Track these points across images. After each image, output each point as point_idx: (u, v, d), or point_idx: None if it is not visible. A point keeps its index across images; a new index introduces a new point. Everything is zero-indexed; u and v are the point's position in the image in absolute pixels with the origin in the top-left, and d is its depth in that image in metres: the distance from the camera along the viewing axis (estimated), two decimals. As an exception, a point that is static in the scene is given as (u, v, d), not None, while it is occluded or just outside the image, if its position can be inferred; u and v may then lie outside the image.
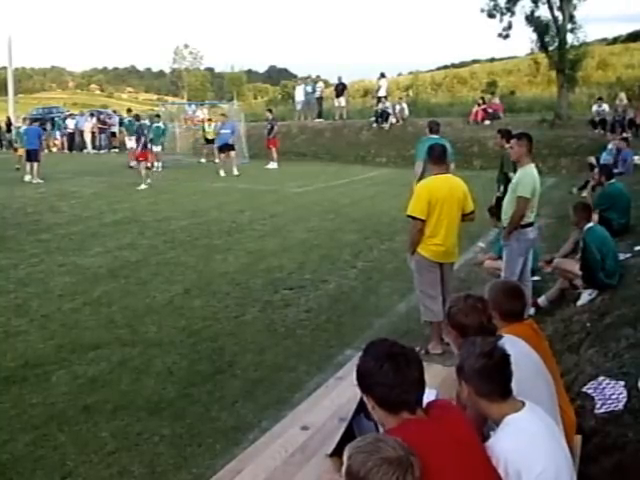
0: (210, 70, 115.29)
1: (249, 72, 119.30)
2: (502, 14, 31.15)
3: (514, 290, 4.56)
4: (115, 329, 8.51)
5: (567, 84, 30.18)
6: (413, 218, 7.51)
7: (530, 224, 8.07)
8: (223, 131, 27.17)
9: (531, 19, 30.00)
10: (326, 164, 29.56)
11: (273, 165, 28.38)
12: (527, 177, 7.95)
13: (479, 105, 31.80)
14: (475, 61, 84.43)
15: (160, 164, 28.70)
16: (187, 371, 7.19)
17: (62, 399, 6.55)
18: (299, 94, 36.55)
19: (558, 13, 29.24)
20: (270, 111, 31.19)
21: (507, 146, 9.89)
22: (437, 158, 7.73)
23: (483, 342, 3.30)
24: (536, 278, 9.56)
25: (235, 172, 26.17)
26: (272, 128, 28.92)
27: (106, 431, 5.91)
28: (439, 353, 7.30)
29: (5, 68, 54.02)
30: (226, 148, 26.93)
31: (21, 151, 28.58)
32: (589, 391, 5.26)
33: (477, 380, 3.19)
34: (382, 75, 34.57)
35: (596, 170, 14.08)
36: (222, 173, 25.97)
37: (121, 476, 5.24)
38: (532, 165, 8.14)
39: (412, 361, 2.93)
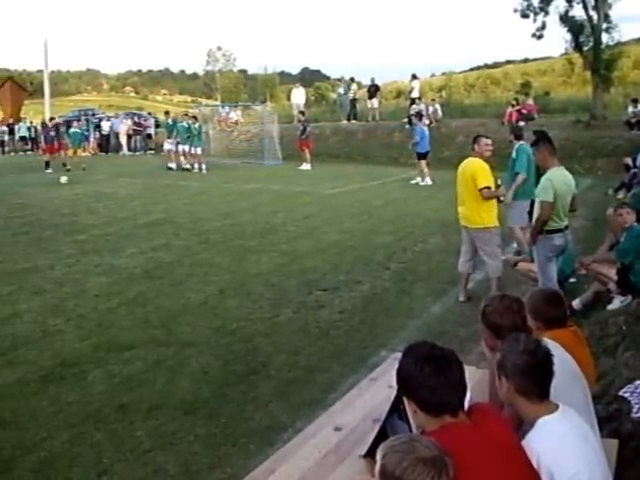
0: (243, 72, 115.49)
1: (282, 74, 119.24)
2: (536, 14, 30.93)
3: (554, 297, 4.55)
4: (150, 329, 8.57)
5: (602, 84, 29.89)
6: None
7: (557, 230, 7.98)
8: (421, 137, 23.28)
9: (565, 19, 29.75)
10: (359, 165, 29.54)
11: (306, 166, 28.39)
12: (546, 181, 7.88)
13: (513, 106, 31.54)
14: (508, 62, 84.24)
15: (205, 166, 28.84)
16: (221, 371, 7.21)
17: (98, 398, 6.61)
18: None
19: (593, 12, 29.01)
20: (302, 113, 31.21)
21: None
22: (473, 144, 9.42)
23: (527, 339, 3.30)
24: (572, 280, 9.51)
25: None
26: (304, 129, 28.93)
27: (141, 430, 5.96)
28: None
29: (42, 71, 54.50)
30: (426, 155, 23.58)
31: (70, 151, 29.51)
32: (626, 395, 5.20)
33: (518, 377, 3.17)
34: (414, 76, 34.49)
35: (632, 171, 13.96)
36: (429, 181, 22.88)
37: (156, 474, 5.28)
38: (558, 168, 8.02)
39: (453, 363, 2.91)
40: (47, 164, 29.11)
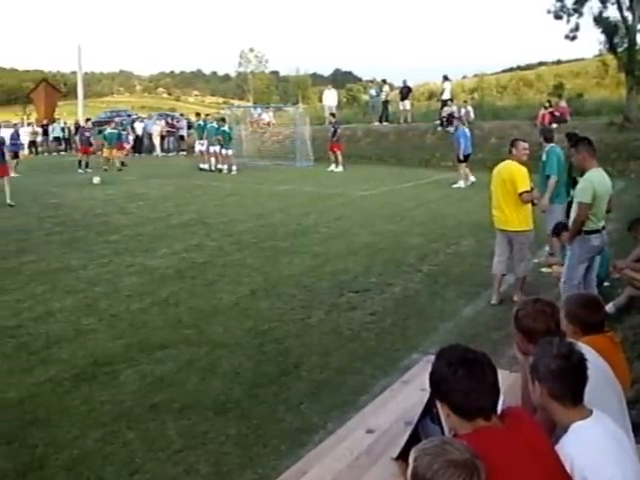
0: (275, 73, 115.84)
1: (314, 75, 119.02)
2: (569, 15, 30.66)
3: (593, 301, 4.50)
4: (182, 329, 8.61)
5: (637, 86, 29.48)
6: None
7: (594, 231, 7.89)
8: (464, 139, 22.91)
9: (599, 20, 29.42)
10: (391, 167, 29.46)
11: (338, 168, 28.37)
12: (586, 182, 7.79)
13: (545, 108, 31.27)
14: (541, 63, 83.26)
15: (235, 167, 28.87)
16: (253, 372, 7.23)
17: (130, 397, 6.65)
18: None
19: (627, 13, 28.63)
20: (333, 115, 31.22)
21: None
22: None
23: (560, 343, 3.25)
24: (606, 284, 9.42)
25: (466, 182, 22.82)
26: (335, 131, 28.94)
27: (173, 430, 5.99)
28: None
29: (75, 72, 55.15)
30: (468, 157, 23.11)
31: (107, 152, 29.90)
32: (660, 400, 5.16)
33: (551, 381, 3.14)
34: (445, 78, 34.23)
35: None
36: (462, 183, 22.58)
37: (188, 474, 5.30)
38: (596, 170, 7.91)
39: (486, 366, 2.90)
40: (80, 164, 29.41)
